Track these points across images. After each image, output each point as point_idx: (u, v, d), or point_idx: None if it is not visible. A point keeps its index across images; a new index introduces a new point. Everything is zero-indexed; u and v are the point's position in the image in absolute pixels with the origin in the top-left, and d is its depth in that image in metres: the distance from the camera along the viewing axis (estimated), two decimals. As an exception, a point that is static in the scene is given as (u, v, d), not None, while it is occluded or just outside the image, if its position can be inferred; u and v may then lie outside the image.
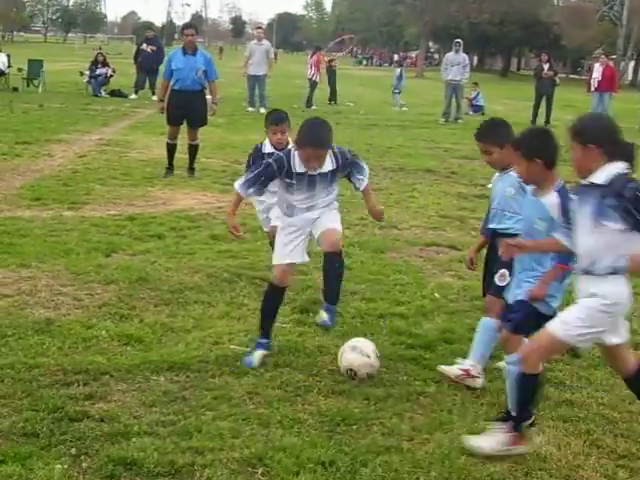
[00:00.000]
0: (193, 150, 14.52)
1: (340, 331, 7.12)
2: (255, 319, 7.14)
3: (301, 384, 6.04)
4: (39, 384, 5.76)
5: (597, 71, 28.43)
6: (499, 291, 5.94)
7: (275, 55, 42.59)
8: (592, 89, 28.30)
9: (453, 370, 6.28)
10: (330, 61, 35.77)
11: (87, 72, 32.03)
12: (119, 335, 6.75)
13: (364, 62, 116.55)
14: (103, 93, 30.81)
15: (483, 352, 6.29)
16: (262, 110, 26.97)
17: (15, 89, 31.32)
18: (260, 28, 31.73)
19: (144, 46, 30.87)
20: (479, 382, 6.22)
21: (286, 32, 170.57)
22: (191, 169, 14.51)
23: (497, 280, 6.05)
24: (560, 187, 5.35)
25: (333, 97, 33.75)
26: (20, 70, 33.47)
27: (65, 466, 4.72)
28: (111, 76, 32.15)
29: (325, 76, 33.62)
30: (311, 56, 33.77)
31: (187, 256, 9.22)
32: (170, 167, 14.41)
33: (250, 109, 27.40)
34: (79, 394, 5.64)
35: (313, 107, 30.18)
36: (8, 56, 33.15)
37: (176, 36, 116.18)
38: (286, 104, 30.21)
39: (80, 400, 5.55)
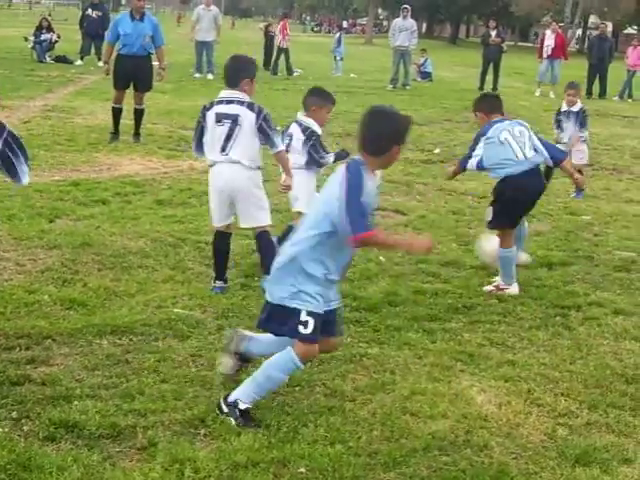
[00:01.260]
0: (139, 115, 14.40)
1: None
2: (200, 283, 7.15)
3: (245, 347, 6.05)
4: (-20, 349, 5.72)
5: (550, 38, 28.58)
6: None
7: (233, 24, 42.13)
8: (545, 56, 28.42)
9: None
10: (267, 26, 35.76)
11: (32, 38, 31.54)
12: (62, 299, 6.72)
13: (314, 29, 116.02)
14: (48, 59, 30.35)
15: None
16: (210, 76, 26.80)
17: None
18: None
19: (89, 11, 30.43)
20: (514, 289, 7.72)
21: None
22: (137, 134, 14.39)
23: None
24: None
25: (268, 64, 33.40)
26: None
27: (6, 429, 4.70)
28: (56, 42, 31.67)
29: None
30: (279, 23, 33.74)
31: (131, 221, 9.17)
32: (115, 132, 14.28)
33: (197, 75, 27.21)
34: (21, 358, 5.61)
35: (296, 73, 30.36)
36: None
37: (122, 1, 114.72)
38: (234, 70, 30.10)
39: (22, 364, 5.52)
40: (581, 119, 12.35)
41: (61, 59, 30.47)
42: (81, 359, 5.69)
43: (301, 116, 8.02)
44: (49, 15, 40.82)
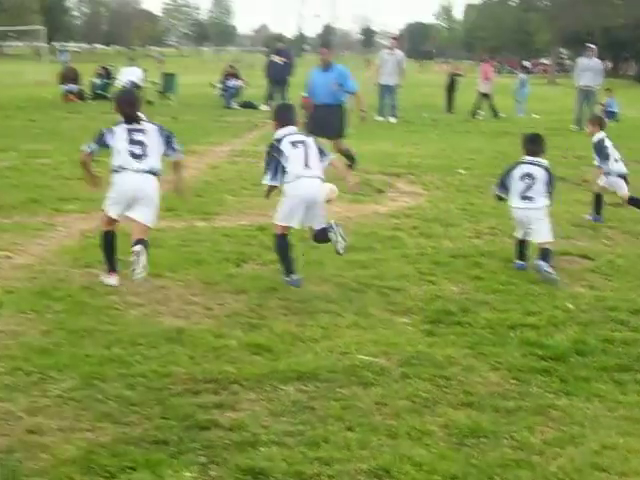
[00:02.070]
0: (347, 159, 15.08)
1: (470, 342, 7.04)
2: (384, 329, 7.13)
3: (430, 395, 5.98)
4: (170, 392, 5.85)
5: None
6: None
7: (419, 66, 42.56)
8: None
9: None
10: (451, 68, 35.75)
11: (219, 85, 32.58)
12: (249, 344, 6.81)
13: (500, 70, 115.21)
14: (234, 105, 31.26)
15: None
16: (392, 120, 26.97)
17: (150, 102, 32.06)
18: (394, 39, 31.82)
19: (275, 58, 31.22)
20: None
21: (416, 41, 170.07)
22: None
23: None
24: None
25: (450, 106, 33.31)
26: (154, 84, 34.29)
27: (194, 474, 4.78)
28: (242, 87, 32.61)
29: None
30: (481, 66, 33.65)
31: (316, 266, 9.24)
32: None
33: (379, 118, 27.41)
34: (209, 403, 5.70)
35: (501, 115, 30.41)
36: (144, 70, 33.98)
37: (306, 47, 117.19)
38: (416, 113, 30.25)
39: (210, 409, 5.61)
40: (598, 150, 12.26)
41: (247, 105, 31.34)
42: (267, 405, 5.73)
43: (530, 158, 9.40)
44: (236, 62, 42.07)
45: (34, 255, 9.45)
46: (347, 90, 15.46)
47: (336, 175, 9.76)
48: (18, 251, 9.60)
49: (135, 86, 32.19)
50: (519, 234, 9.52)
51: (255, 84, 35.26)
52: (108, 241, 8.43)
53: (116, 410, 5.55)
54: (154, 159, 8.28)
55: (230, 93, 31.87)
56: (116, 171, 8.18)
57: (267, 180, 8.78)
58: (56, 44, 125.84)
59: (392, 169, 16.59)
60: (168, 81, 34.82)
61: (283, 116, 9.02)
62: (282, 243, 8.75)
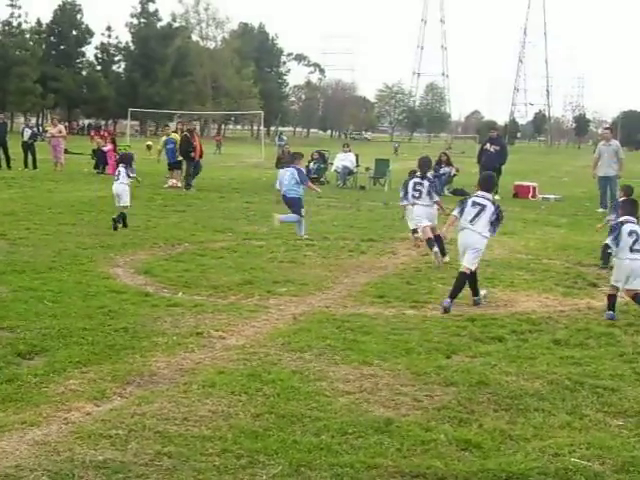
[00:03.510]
0: None
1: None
2: (598, 431, 6.85)
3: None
4: (378, 486, 5.79)
5: None
6: None
7: None
8: None
9: None
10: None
11: (432, 171, 32.76)
12: (457, 440, 6.67)
13: None
14: (446, 192, 31.30)
15: None
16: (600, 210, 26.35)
17: (362, 187, 32.61)
18: (608, 129, 31.24)
19: (487, 145, 31.18)
20: None
21: (631, 129, 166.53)
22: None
23: None
24: None
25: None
26: (367, 169, 34.86)
27: None
28: (454, 175, 32.67)
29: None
30: None
31: (528, 361, 9.01)
32: None
33: (599, 210, 26.79)
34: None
35: None
36: (357, 156, 34.64)
37: (519, 135, 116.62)
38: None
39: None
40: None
41: (459, 192, 31.28)
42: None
43: None
44: (448, 148, 42.29)
45: (247, 337, 9.66)
46: None
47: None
48: (232, 332, 9.84)
49: (349, 172, 32.91)
50: None
51: (467, 171, 35.28)
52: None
53: (323, 500, 5.54)
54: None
55: (442, 180, 31.94)
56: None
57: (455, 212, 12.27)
58: (273, 128, 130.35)
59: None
60: (380, 166, 35.32)
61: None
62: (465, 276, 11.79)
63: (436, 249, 15.04)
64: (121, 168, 19.06)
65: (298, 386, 7.83)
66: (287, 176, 18.82)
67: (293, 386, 7.82)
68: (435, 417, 7.19)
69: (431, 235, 15.10)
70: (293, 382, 7.94)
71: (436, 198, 15.43)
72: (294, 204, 18.46)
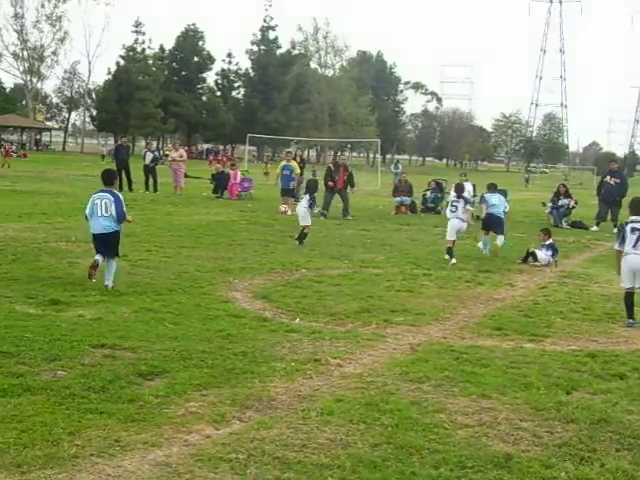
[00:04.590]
0: None
1: None
2: None
3: None
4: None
5: None
6: None
7: None
8: None
9: None
10: None
11: (549, 203, 32.38)
12: (579, 478, 6.56)
13: None
14: (564, 224, 30.88)
15: None
16: None
17: (478, 217, 32.25)
18: None
19: (607, 178, 30.70)
20: None
21: None
22: None
23: None
24: None
25: None
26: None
27: None
28: (573, 207, 32.21)
29: None
30: None
31: (652, 400, 8.82)
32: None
33: None
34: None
35: None
36: (473, 185, 34.42)
37: (638, 167, 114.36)
38: None
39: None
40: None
41: (577, 224, 30.88)
42: None
43: None
44: (565, 180, 41.76)
45: (364, 365, 9.68)
46: None
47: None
48: (349, 360, 9.87)
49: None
50: None
51: (585, 203, 34.74)
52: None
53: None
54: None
55: (560, 212, 31.54)
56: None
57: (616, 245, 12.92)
58: (389, 156, 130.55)
59: None
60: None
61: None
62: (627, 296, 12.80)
63: (454, 260, 18.53)
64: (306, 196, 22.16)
65: (416, 417, 7.81)
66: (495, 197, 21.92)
67: (411, 417, 7.80)
68: (556, 454, 7.08)
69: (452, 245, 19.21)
70: (411, 413, 7.92)
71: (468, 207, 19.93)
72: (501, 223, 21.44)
